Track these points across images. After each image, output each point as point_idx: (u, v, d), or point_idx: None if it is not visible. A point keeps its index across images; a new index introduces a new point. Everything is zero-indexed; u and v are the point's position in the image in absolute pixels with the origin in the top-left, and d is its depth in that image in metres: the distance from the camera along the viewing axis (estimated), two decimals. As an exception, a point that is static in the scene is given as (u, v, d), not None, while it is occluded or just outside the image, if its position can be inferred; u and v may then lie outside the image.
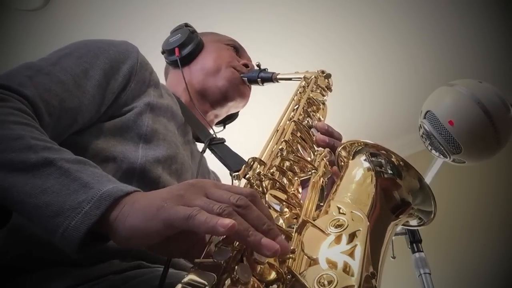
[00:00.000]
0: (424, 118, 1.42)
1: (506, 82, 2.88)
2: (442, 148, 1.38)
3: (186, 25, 1.31)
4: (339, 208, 0.65)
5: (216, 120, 1.30)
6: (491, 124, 1.31)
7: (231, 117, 1.38)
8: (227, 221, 0.51)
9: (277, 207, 0.67)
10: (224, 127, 1.38)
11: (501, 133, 1.32)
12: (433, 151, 1.45)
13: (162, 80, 1.26)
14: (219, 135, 1.17)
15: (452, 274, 2.64)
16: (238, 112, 1.38)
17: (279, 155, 0.80)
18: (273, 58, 1.38)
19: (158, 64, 1.31)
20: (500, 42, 2.73)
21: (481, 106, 1.31)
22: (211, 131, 1.20)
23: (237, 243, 0.55)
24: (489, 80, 1.42)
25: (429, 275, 1.55)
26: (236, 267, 0.52)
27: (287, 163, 0.81)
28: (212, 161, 1.16)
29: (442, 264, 2.33)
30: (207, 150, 1.11)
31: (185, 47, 1.25)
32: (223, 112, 1.27)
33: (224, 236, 0.55)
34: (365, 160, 0.78)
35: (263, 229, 0.54)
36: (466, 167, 1.46)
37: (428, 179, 1.75)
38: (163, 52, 1.29)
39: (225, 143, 1.13)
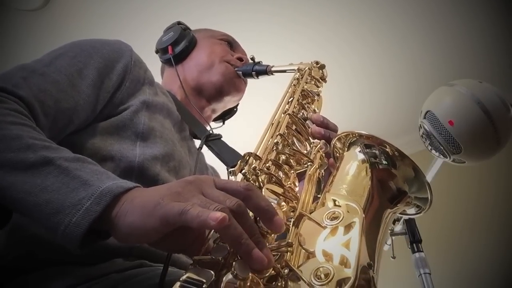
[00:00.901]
0: (424, 118, 1.42)
1: (506, 82, 2.88)
2: (442, 148, 1.38)
3: (179, 23, 1.31)
4: (334, 201, 0.65)
5: (214, 116, 1.30)
6: (491, 124, 1.31)
7: (230, 112, 1.38)
8: (218, 214, 0.50)
9: (274, 202, 0.67)
10: (224, 123, 1.38)
11: (501, 133, 1.32)
12: (433, 151, 1.44)
13: (160, 80, 1.27)
14: (217, 131, 1.17)
15: (452, 274, 2.64)
16: (236, 106, 1.38)
17: (274, 149, 0.80)
18: (269, 58, 1.38)
19: (159, 64, 1.32)
20: (500, 42, 2.74)
21: (481, 106, 1.31)
22: (209, 127, 1.21)
23: None
24: (489, 80, 1.42)
25: (429, 275, 1.54)
26: (234, 263, 0.52)
27: (282, 157, 0.81)
28: (210, 157, 1.16)
29: (442, 264, 2.32)
30: (204, 146, 1.11)
31: (178, 45, 1.25)
32: (220, 107, 1.27)
33: None
34: (360, 151, 0.78)
35: (253, 239, 0.54)
36: (466, 167, 1.46)
37: (428, 179, 1.74)
38: (157, 51, 1.30)
39: (221, 138, 1.13)
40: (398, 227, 1.70)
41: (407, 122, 2.66)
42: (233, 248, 0.54)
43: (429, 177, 1.84)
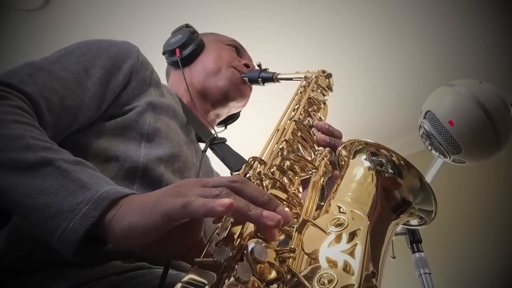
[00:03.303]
0: (424, 118, 1.42)
1: (506, 82, 2.88)
2: (442, 148, 1.38)
3: (187, 26, 1.32)
4: (339, 207, 0.65)
5: (218, 120, 1.30)
6: (491, 124, 1.31)
7: (233, 118, 1.39)
8: (226, 200, 0.51)
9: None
10: (226, 128, 1.39)
11: (501, 133, 1.32)
12: (433, 151, 1.44)
13: (164, 81, 1.27)
14: (222, 135, 1.17)
15: (452, 274, 2.64)
16: (239, 112, 1.38)
17: (279, 154, 0.79)
18: (274, 58, 1.39)
19: (157, 63, 1.32)
20: (500, 42, 2.74)
21: (481, 106, 1.31)
22: (213, 131, 1.21)
23: (237, 242, 0.55)
24: (489, 80, 1.42)
25: (429, 275, 1.54)
26: (236, 266, 0.51)
27: (287, 163, 0.81)
28: (214, 161, 1.16)
29: (442, 264, 2.32)
30: (209, 150, 1.11)
31: (186, 48, 1.25)
32: (224, 112, 1.28)
33: (225, 235, 0.56)
34: (365, 159, 0.78)
35: (263, 200, 0.56)
36: (466, 167, 1.45)
37: (428, 179, 1.74)
38: (164, 53, 1.30)
39: (226, 142, 1.13)
40: (398, 227, 1.69)
41: (407, 122, 2.67)
42: (243, 219, 0.55)
43: (429, 177, 1.84)
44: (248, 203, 0.54)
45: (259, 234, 0.58)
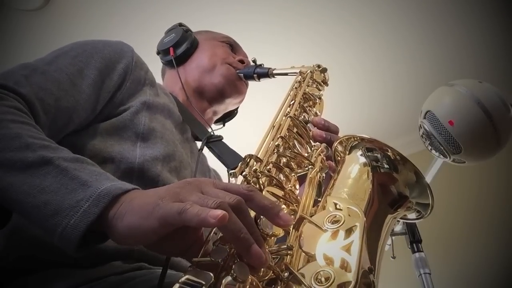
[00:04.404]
0: (424, 118, 1.42)
1: (506, 82, 2.88)
2: (442, 148, 1.38)
3: (180, 24, 1.31)
4: (335, 204, 0.65)
5: (215, 118, 1.30)
6: (491, 124, 1.31)
7: (230, 115, 1.38)
8: (218, 212, 0.50)
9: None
10: (224, 125, 1.38)
11: (501, 133, 1.32)
12: (433, 151, 1.44)
13: (160, 81, 1.26)
14: (218, 133, 1.17)
15: (452, 274, 2.64)
16: (237, 109, 1.38)
17: (275, 151, 0.79)
18: (271, 59, 1.38)
19: (158, 64, 1.32)
20: (500, 42, 2.73)
21: (481, 106, 1.31)
22: (210, 129, 1.21)
23: None
24: (489, 80, 1.42)
25: (429, 275, 1.54)
26: (233, 265, 0.51)
27: (283, 159, 0.80)
28: (211, 159, 1.16)
29: (442, 264, 2.32)
30: (205, 148, 1.11)
31: (180, 46, 1.25)
32: (221, 109, 1.27)
33: (222, 234, 0.56)
34: (361, 155, 0.78)
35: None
36: (466, 167, 1.46)
37: (428, 179, 1.74)
38: (158, 53, 1.30)
39: (222, 140, 1.13)
40: (398, 227, 1.69)
41: (407, 122, 2.66)
42: (231, 242, 0.54)
43: (429, 177, 1.84)
44: (241, 227, 0.53)
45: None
